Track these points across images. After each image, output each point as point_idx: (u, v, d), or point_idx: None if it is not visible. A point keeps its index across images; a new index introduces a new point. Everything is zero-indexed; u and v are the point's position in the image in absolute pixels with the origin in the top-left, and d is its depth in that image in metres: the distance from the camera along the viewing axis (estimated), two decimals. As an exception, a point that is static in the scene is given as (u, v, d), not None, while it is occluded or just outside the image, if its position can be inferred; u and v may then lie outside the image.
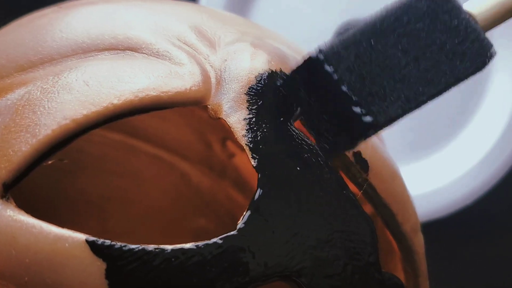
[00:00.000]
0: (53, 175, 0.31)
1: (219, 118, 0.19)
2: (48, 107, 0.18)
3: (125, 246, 0.16)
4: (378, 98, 0.18)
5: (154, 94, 0.18)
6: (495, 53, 0.19)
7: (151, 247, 0.17)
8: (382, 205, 0.21)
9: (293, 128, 0.20)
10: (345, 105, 0.18)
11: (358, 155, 0.21)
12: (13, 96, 0.18)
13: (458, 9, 0.19)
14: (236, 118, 0.19)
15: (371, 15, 0.19)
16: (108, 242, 0.16)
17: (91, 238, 0.16)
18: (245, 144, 0.19)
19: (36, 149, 0.17)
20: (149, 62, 0.19)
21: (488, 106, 0.42)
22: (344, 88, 0.18)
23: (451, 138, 0.42)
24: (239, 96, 0.19)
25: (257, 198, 0.18)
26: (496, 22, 0.19)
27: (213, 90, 0.19)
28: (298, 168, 0.19)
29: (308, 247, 0.18)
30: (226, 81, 0.19)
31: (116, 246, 0.16)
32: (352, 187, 0.20)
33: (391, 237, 0.22)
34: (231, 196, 0.35)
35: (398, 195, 0.22)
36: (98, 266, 0.16)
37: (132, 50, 0.20)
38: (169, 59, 0.20)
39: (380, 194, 0.21)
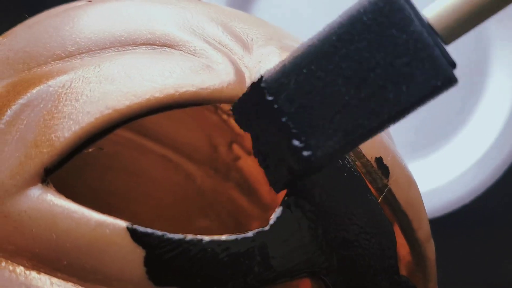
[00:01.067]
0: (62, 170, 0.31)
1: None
2: (91, 96, 0.18)
3: (164, 234, 0.17)
4: (317, 130, 0.17)
5: (194, 90, 0.19)
6: (452, 75, 0.16)
7: (189, 237, 0.17)
8: (399, 211, 0.22)
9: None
10: (285, 137, 0.17)
11: (380, 161, 0.22)
12: (55, 83, 0.18)
13: (409, 20, 0.15)
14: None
15: (317, 32, 0.17)
16: (148, 230, 0.17)
17: (132, 226, 0.17)
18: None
19: (79, 136, 0.17)
20: (186, 58, 0.20)
21: (486, 106, 0.42)
22: (283, 119, 0.17)
23: (449, 138, 0.42)
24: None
25: (289, 196, 0.18)
26: (462, 29, 0.16)
27: (248, 90, 0.20)
28: (327, 171, 0.19)
29: (335, 246, 0.19)
30: (263, 81, 0.20)
31: (156, 235, 0.17)
32: (373, 191, 0.21)
33: (404, 242, 0.23)
34: (234, 198, 0.35)
35: (414, 202, 0.23)
36: (137, 254, 0.16)
37: (169, 47, 0.20)
38: (206, 57, 0.20)
39: (398, 200, 0.22)
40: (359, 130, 0.16)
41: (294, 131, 0.17)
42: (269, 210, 0.35)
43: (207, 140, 0.34)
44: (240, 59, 0.21)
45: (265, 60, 0.21)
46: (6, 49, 0.20)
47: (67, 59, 0.20)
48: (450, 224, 0.43)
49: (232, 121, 0.34)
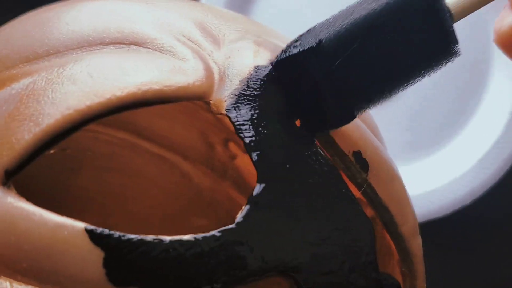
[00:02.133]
0: (56, 172, 0.32)
1: (221, 113, 0.19)
2: (52, 97, 0.18)
3: (124, 235, 0.16)
4: (356, 93, 0.20)
5: (157, 88, 0.18)
6: (459, 52, 0.20)
7: (149, 237, 0.17)
8: (381, 206, 0.21)
9: (295, 126, 0.20)
10: (330, 96, 0.19)
11: (358, 155, 0.21)
12: (18, 85, 0.18)
13: (444, 11, 0.19)
14: (238, 114, 0.19)
15: (364, 1, 0.20)
16: (107, 231, 0.16)
17: (90, 227, 0.16)
18: (246, 139, 0.19)
19: (39, 138, 0.17)
20: (153, 56, 0.20)
21: (487, 106, 0.42)
22: (334, 81, 0.19)
23: (450, 138, 0.42)
24: (241, 92, 0.19)
25: (257, 193, 0.18)
26: (469, 12, 0.20)
27: (216, 86, 0.20)
28: (299, 166, 0.19)
29: (306, 243, 0.18)
30: (229, 77, 0.20)
31: (115, 236, 0.16)
32: (351, 187, 0.21)
33: (389, 239, 0.22)
34: (231, 197, 0.35)
35: (397, 196, 0.22)
36: (96, 255, 0.16)
37: (137, 45, 0.20)
38: (173, 54, 0.20)
39: (379, 194, 0.21)
40: (387, 93, 0.20)
41: (337, 90, 0.19)
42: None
43: (202, 139, 0.34)
44: (209, 55, 0.20)
45: (235, 55, 0.20)
46: (-24, 53, 0.21)
47: (34, 61, 0.20)
48: (450, 225, 0.42)
49: (227, 120, 0.33)
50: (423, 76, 0.20)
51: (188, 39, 0.21)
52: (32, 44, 0.20)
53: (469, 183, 0.40)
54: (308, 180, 0.19)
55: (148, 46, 0.20)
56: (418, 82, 0.20)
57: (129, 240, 0.16)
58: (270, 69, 0.20)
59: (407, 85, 0.20)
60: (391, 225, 0.22)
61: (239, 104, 0.19)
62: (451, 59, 0.20)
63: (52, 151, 0.18)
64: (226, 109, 0.19)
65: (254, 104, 0.19)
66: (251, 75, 0.20)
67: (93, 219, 0.33)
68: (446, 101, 0.42)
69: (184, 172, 0.35)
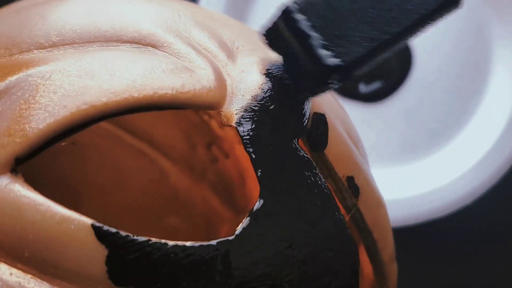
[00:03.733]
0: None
1: (230, 125, 0.20)
2: (69, 90, 0.18)
3: (129, 236, 0.17)
4: (345, 40, 0.19)
5: (173, 93, 0.19)
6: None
7: (153, 240, 0.17)
8: (366, 231, 0.22)
9: (298, 146, 0.20)
10: (315, 49, 0.19)
11: (351, 180, 0.22)
12: (34, 72, 0.18)
13: None
14: (246, 129, 0.20)
15: None
16: (113, 229, 0.17)
17: (98, 224, 0.17)
18: (253, 155, 0.19)
19: (53, 129, 0.17)
20: (169, 61, 0.20)
21: (487, 106, 0.42)
22: (313, 33, 0.19)
23: (450, 138, 0.42)
24: (252, 108, 0.20)
25: (258, 208, 0.19)
26: None
27: (227, 98, 0.20)
28: (299, 185, 0.20)
29: (298, 261, 0.19)
30: (241, 92, 0.20)
31: (120, 235, 0.17)
32: (341, 209, 0.21)
33: (368, 262, 0.23)
34: (207, 199, 0.36)
35: (381, 223, 0.23)
36: (100, 252, 0.16)
37: (153, 47, 0.20)
38: (189, 61, 0.20)
39: (365, 220, 0.22)
40: (384, 36, 0.19)
41: (324, 43, 0.19)
42: (241, 214, 0.35)
43: (185, 139, 0.35)
44: (223, 67, 0.21)
45: (247, 70, 0.21)
46: (-10, 32, 0.20)
47: (50, 49, 0.20)
48: (450, 225, 0.42)
49: (213, 123, 0.34)
50: (420, 25, 0.19)
51: (204, 48, 0.21)
52: (47, 31, 0.20)
53: (469, 183, 0.40)
54: (306, 200, 0.20)
55: (165, 50, 0.20)
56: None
57: (134, 240, 0.17)
58: (279, 87, 0.21)
59: (401, 35, 0.19)
60: (373, 249, 0.23)
61: (249, 119, 0.20)
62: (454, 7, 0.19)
63: (63, 144, 0.18)
64: (236, 123, 0.20)
65: (263, 121, 0.20)
66: (262, 92, 0.20)
67: (63, 206, 0.34)
68: (446, 101, 0.42)
69: (162, 170, 0.35)
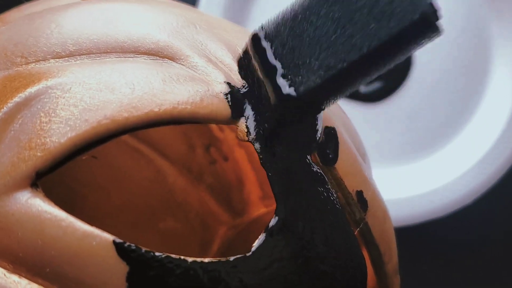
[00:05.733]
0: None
1: (247, 141, 0.20)
2: (90, 103, 0.18)
3: (149, 252, 0.17)
4: (302, 68, 0.18)
5: (192, 108, 0.19)
6: (430, 12, 0.17)
7: (174, 256, 0.17)
8: (373, 244, 0.23)
9: (311, 161, 0.21)
10: (274, 78, 0.19)
11: (360, 194, 0.22)
12: (54, 84, 0.18)
13: None
14: (263, 145, 0.20)
15: None
16: (134, 246, 0.17)
17: (119, 240, 0.17)
18: (268, 172, 0.19)
19: (74, 143, 0.17)
20: (187, 74, 0.20)
21: (487, 106, 0.42)
22: (274, 61, 0.19)
23: (450, 138, 0.42)
24: (267, 123, 0.20)
25: (273, 225, 0.19)
26: None
27: (244, 113, 0.20)
28: (313, 201, 0.20)
29: (312, 277, 0.19)
30: (258, 106, 0.20)
31: (141, 251, 0.17)
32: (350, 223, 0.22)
33: (373, 275, 0.24)
34: (204, 201, 0.36)
35: (387, 236, 0.23)
36: (121, 268, 0.17)
37: (171, 59, 0.20)
38: (206, 75, 0.20)
39: (373, 233, 0.23)
40: (340, 64, 0.18)
41: (283, 71, 0.18)
42: (238, 217, 0.35)
43: (184, 139, 0.35)
44: (240, 80, 0.21)
45: (263, 84, 0.21)
46: (5, 38, 0.20)
47: (66, 58, 0.20)
48: (451, 225, 0.42)
49: (212, 125, 0.34)
50: (374, 42, 0.17)
51: (220, 62, 0.21)
52: (64, 41, 0.20)
53: (469, 183, 0.40)
54: (320, 217, 0.20)
55: (182, 63, 0.20)
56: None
57: (155, 257, 0.17)
58: (293, 104, 0.21)
59: (363, 63, 0.18)
60: (378, 262, 0.23)
61: (264, 136, 0.20)
62: (432, 36, 0.17)
63: (84, 157, 0.18)
64: (253, 138, 0.20)
65: (278, 136, 0.20)
66: (277, 106, 0.20)
67: (59, 204, 0.33)
68: (446, 101, 0.42)
69: (159, 169, 0.35)
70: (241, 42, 0.23)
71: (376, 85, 0.42)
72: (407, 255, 0.43)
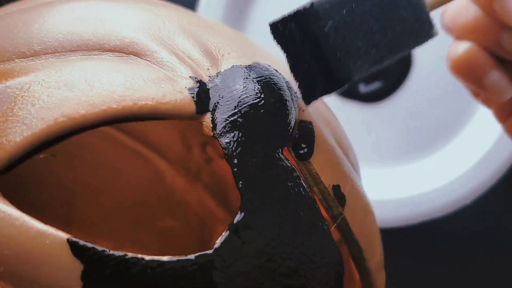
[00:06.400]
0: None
1: (212, 136, 0.20)
2: (48, 102, 0.18)
3: (104, 251, 0.17)
4: (353, 57, 0.21)
5: (153, 104, 0.19)
6: (436, 33, 0.22)
7: (130, 255, 0.17)
8: (352, 240, 0.22)
9: (281, 155, 0.20)
10: (328, 58, 0.20)
11: (337, 188, 0.22)
12: (14, 83, 0.18)
13: None
14: (229, 140, 0.19)
15: None
16: (89, 245, 0.17)
17: (73, 239, 0.17)
18: (234, 167, 0.19)
19: (30, 142, 0.17)
20: (151, 70, 0.20)
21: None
22: (330, 43, 0.20)
23: (450, 138, 0.42)
24: (234, 118, 0.20)
25: (238, 221, 0.18)
26: (442, 3, 0.23)
27: (210, 108, 0.20)
28: (281, 196, 0.19)
29: (279, 274, 0.19)
30: (224, 100, 0.20)
31: (96, 250, 0.17)
32: (327, 218, 0.21)
33: (355, 270, 0.23)
34: (202, 200, 0.35)
35: (368, 231, 0.23)
36: (75, 267, 0.16)
37: (136, 55, 0.20)
38: (172, 70, 0.20)
39: (352, 229, 0.22)
40: (382, 60, 0.21)
41: (338, 55, 0.20)
42: (236, 215, 0.35)
43: (181, 139, 0.34)
44: (206, 75, 0.20)
45: (232, 78, 0.21)
46: (-27, 40, 0.20)
47: (31, 58, 0.20)
48: (450, 225, 0.42)
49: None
50: (407, 49, 0.22)
51: (188, 57, 0.21)
52: (30, 40, 0.20)
53: (469, 183, 0.40)
54: (289, 212, 0.19)
55: (147, 59, 0.20)
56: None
57: (110, 255, 0.17)
58: (263, 97, 0.20)
59: (391, 54, 0.21)
60: (359, 259, 0.22)
61: (230, 130, 0.19)
62: (428, 39, 0.22)
63: (41, 156, 0.18)
64: (218, 133, 0.19)
65: (244, 131, 0.20)
66: (245, 101, 0.20)
67: (60, 207, 0.34)
68: (446, 101, 0.42)
69: (158, 169, 0.35)
70: (214, 37, 0.22)
71: (376, 85, 0.42)
72: (407, 255, 0.43)
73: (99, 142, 0.33)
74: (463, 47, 0.25)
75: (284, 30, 0.21)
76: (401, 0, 0.21)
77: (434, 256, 0.43)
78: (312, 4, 0.20)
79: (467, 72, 0.25)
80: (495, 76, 0.25)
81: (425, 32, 0.22)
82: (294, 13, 0.20)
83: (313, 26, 0.20)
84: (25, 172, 0.32)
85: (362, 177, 0.41)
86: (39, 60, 0.20)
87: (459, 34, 0.26)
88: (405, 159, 0.42)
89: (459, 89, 0.42)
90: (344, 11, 0.20)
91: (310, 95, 0.21)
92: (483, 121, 0.42)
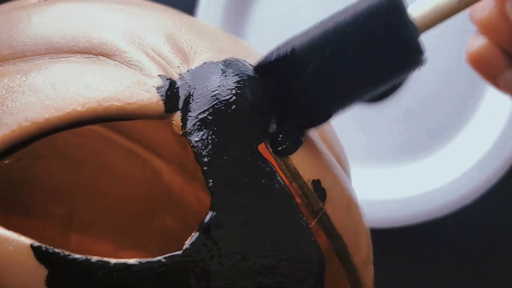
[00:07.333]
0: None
1: (181, 135, 0.19)
2: (11, 107, 0.18)
3: (69, 255, 0.17)
4: (333, 95, 0.21)
5: (119, 104, 0.18)
6: (425, 61, 0.21)
7: (94, 258, 0.17)
8: (335, 235, 0.22)
9: (256, 153, 0.20)
10: (308, 99, 0.20)
11: (317, 183, 0.21)
12: (-21, 90, 0.18)
13: (408, 23, 0.20)
14: (199, 138, 0.19)
15: (335, 15, 0.21)
16: (52, 249, 0.16)
17: (36, 244, 0.16)
18: (203, 165, 0.19)
19: (-7, 147, 0.17)
20: (119, 70, 0.19)
21: (487, 106, 0.42)
22: (311, 85, 0.20)
23: (450, 138, 0.42)
24: (204, 115, 0.19)
25: (208, 220, 0.18)
26: (433, 25, 0.21)
27: (180, 106, 0.19)
28: (254, 194, 0.19)
29: (253, 272, 0.18)
30: (194, 98, 0.20)
31: (60, 254, 0.16)
32: (307, 214, 0.21)
33: (341, 267, 0.23)
34: (201, 199, 0.35)
35: (352, 226, 0.22)
36: (39, 272, 0.16)
37: (105, 56, 0.20)
38: (140, 69, 0.20)
39: (334, 224, 0.21)
40: (358, 96, 0.22)
41: (318, 96, 0.20)
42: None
43: (177, 138, 0.34)
44: (177, 73, 0.20)
45: (203, 75, 0.20)
46: None
47: (0, 63, 0.20)
48: (450, 225, 0.42)
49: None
50: (392, 80, 0.21)
51: (158, 55, 0.20)
52: (0, 45, 0.20)
53: (469, 183, 0.40)
54: (263, 210, 0.19)
55: (116, 59, 0.20)
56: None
57: (74, 259, 0.17)
58: (235, 93, 0.20)
59: (376, 88, 0.21)
60: (343, 254, 0.22)
61: (200, 127, 0.19)
62: (418, 67, 0.21)
63: (6, 161, 0.18)
64: (187, 132, 0.19)
65: (215, 129, 0.19)
66: (216, 97, 0.20)
67: (59, 209, 0.34)
68: (446, 101, 0.42)
69: (155, 169, 0.35)
70: (188, 34, 0.22)
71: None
72: (407, 255, 0.43)
73: (96, 144, 0.33)
74: (479, 42, 0.25)
75: (267, 72, 0.21)
76: (388, 32, 0.20)
77: (434, 256, 0.43)
78: (293, 50, 0.20)
79: (481, 68, 0.25)
80: (510, 76, 0.24)
81: (414, 61, 0.21)
82: (275, 59, 0.21)
83: (295, 69, 0.20)
84: (22, 176, 0.32)
85: (362, 177, 0.41)
86: (8, 65, 0.20)
87: (478, 28, 0.25)
88: (405, 159, 0.42)
89: (459, 89, 0.43)
90: (326, 52, 0.20)
91: (288, 140, 0.21)
92: (483, 121, 0.41)
